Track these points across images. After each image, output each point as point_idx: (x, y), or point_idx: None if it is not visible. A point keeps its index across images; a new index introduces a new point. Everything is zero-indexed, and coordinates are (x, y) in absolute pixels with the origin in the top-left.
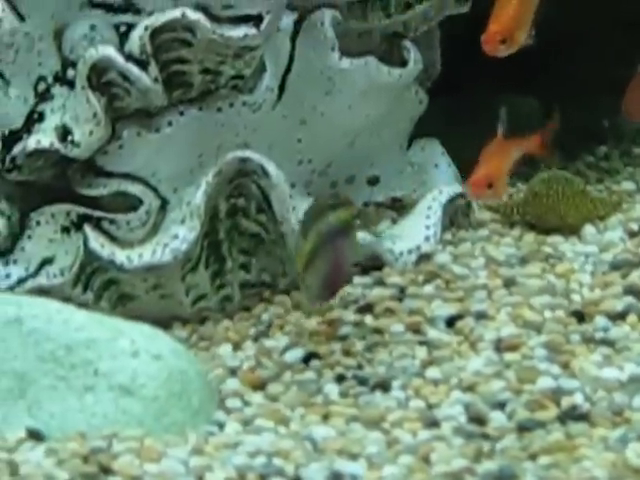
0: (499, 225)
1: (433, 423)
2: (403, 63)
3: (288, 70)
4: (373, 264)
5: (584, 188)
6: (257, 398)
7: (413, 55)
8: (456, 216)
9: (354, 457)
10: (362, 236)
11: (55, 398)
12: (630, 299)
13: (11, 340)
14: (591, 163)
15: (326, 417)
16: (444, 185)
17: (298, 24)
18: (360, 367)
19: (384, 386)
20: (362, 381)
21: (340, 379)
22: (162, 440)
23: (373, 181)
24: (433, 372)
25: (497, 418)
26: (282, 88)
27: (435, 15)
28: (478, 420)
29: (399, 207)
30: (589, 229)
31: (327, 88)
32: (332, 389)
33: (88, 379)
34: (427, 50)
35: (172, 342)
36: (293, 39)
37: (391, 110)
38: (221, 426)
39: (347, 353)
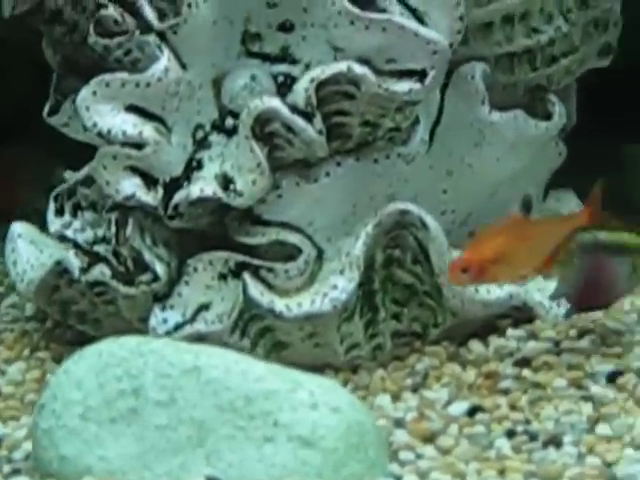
0: None
1: None
2: (546, 116)
3: (437, 122)
4: (524, 316)
5: None
6: (429, 451)
7: (558, 108)
8: None
9: None
10: (512, 288)
11: (234, 448)
12: None
13: (189, 389)
14: None
15: (502, 472)
16: None
17: (447, 76)
18: (528, 422)
19: (556, 442)
20: (533, 436)
21: (510, 434)
22: None
23: None
24: (603, 429)
25: None
26: (430, 139)
27: (577, 69)
28: None
29: None
30: None
31: (476, 140)
32: (503, 444)
33: (267, 430)
34: (564, 102)
35: (348, 394)
36: (442, 91)
37: (533, 162)
38: (398, 479)
39: (513, 407)
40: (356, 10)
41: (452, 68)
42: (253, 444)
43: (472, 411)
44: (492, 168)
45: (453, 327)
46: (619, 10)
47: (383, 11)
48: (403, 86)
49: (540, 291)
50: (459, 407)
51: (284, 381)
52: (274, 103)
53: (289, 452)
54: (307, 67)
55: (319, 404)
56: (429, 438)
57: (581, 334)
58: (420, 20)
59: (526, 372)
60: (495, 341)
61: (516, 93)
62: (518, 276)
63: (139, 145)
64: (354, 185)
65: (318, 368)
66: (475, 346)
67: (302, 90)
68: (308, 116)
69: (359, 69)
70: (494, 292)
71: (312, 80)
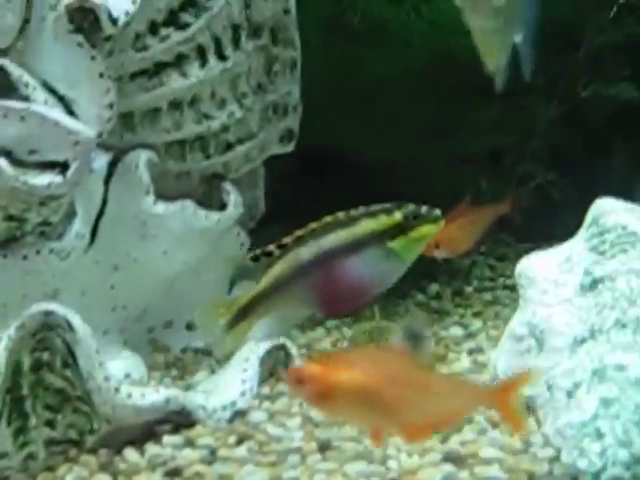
0: None
1: None
2: (223, 205)
3: (101, 214)
4: (184, 421)
5: None
6: None
7: (233, 198)
8: (276, 367)
9: None
10: (170, 391)
11: None
12: (449, 467)
13: None
14: (421, 302)
15: None
16: (264, 334)
17: (112, 165)
18: None
19: None
20: None
21: None
22: None
23: (192, 326)
24: None
25: None
26: (94, 232)
27: (257, 155)
28: None
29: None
30: None
31: (141, 233)
32: None
33: None
34: (250, 189)
35: None
36: (107, 181)
37: (211, 254)
38: None
39: None
40: None
41: (118, 157)
42: None
43: None
44: (159, 262)
45: (109, 434)
46: (298, 94)
47: (25, 99)
48: (43, 180)
49: (205, 393)
50: None
51: None
52: None
53: None
54: None
55: None
56: None
57: (240, 440)
58: (68, 108)
59: None
60: (152, 449)
61: (191, 182)
62: (375, 426)
63: None
64: (2, 283)
65: None
66: (130, 454)
67: None
68: None
69: None
70: (149, 397)
71: None
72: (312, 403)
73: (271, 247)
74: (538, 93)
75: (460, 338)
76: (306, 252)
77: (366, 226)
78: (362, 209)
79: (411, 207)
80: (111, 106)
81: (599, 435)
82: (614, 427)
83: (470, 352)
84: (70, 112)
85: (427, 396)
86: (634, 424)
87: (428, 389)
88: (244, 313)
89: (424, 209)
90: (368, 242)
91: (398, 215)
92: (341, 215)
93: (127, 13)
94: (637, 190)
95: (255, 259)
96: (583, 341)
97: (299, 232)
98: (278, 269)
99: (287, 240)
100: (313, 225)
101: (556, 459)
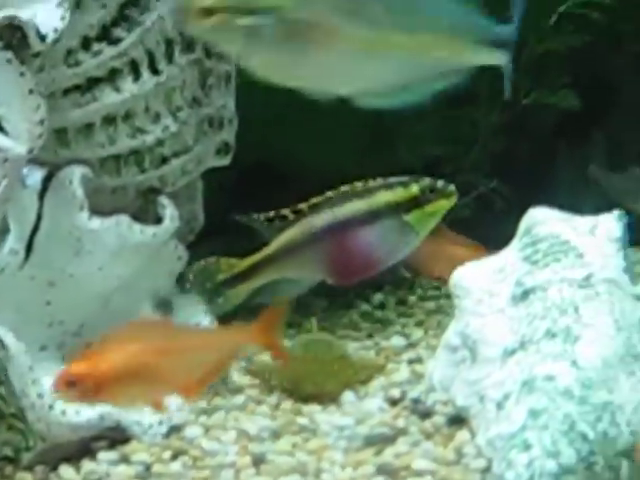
0: (258, 390)
1: None
2: (159, 220)
3: (36, 229)
4: (119, 437)
5: (344, 352)
6: None
7: (169, 212)
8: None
9: None
10: (105, 408)
11: None
12: None
13: None
14: (366, 312)
15: None
16: None
17: (47, 181)
18: None
19: None
20: None
21: None
22: None
23: None
24: None
25: None
26: (29, 248)
27: (194, 168)
28: None
29: None
30: (349, 396)
31: (76, 249)
32: None
33: None
34: (188, 203)
35: None
36: (42, 196)
37: (147, 268)
38: None
39: None
40: None
41: (53, 172)
42: None
43: None
44: (95, 277)
45: (45, 451)
46: (233, 107)
47: None
48: None
49: (140, 409)
50: None
51: None
52: None
53: None
54: None
55: None
56: None
57: (175, 455)
58: None
59: None
60: (87, 465)
61: (127, 196)
62: (154, 397)
63: None
64: None
65: None
66: (66, 471)
67: None
68: None
69: None
70: (84, 413)
71: None
72: (88, 400)
73: (285, 211)
74: (479, 102)
75: (401, 348)
76: (320, 219)
77: (382, 197)
78: (379, 180)
79: (427, 181)
80: (42, 122)
81: (527, 446)
82: (542, 438)
83: (410, 362)
84: (0, 129)
85: (192, 353)
86: (562, 434)
87: (191, 346)
88: (245, 275)
89: (440, 183)
90: (383, 213)
91: (415, 188)
92: (358, 185)
93: (56, 30)
94: (580, 197)
95: (269, 221)
96: (513, 352)
97: (315, 199)
98: (290, 234)
99: (302, 206)
100: (329, 193)
101: (488, 470)
